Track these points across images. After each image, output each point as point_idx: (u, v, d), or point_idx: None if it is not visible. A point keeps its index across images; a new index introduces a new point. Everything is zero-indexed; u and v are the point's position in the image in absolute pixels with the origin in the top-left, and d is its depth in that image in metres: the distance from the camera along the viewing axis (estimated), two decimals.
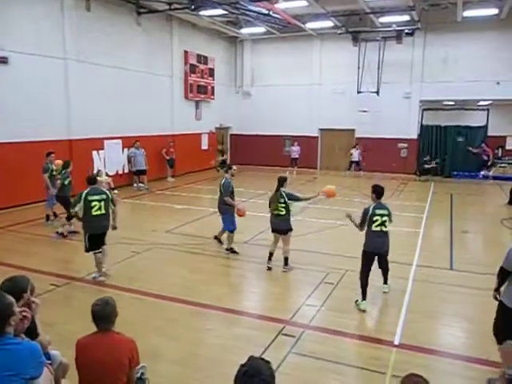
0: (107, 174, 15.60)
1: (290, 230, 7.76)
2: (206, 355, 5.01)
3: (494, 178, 19.22)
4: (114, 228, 7.32)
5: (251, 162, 23.29)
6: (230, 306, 6.27)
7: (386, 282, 6.72)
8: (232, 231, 8.64)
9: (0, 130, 11.90)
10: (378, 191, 6.38)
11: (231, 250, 8.66)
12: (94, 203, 6.93)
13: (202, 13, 16.98)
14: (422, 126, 20.80)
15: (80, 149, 14.45)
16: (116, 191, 15.23)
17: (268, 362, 2.28)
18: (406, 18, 17.78)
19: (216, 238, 9.22)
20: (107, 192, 7.24)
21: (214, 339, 5.36)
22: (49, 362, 3.25)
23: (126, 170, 16.78)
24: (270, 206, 7.80)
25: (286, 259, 7.75)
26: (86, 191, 6.99)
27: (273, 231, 7.88)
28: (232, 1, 15.40)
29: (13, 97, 12.22)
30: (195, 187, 17.09)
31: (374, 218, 6.20)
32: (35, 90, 12.84)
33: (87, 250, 7.11)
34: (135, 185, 16.42)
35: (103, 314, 3.30)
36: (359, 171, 20.68)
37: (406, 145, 20.88)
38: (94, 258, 7.13)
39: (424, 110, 20.70)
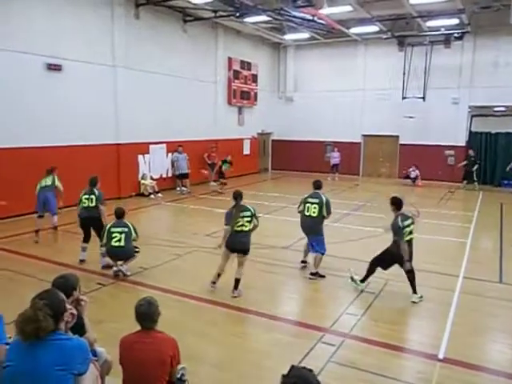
0: (152, 178, 16.06)
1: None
2: (245, 360, 5.03)
3: None
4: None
5: (292, 168, 23.26)
6: (269, 311, 6.26)
7: (415, 292, 6.63)
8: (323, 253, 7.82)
9: (54, 133, 12.49)
10: (396, 203, 6.59)
11: (318, 275, 7.69)
12: (114, 234, 7.34)
13: (247, 20, 17.18)
14: (470, 132, 20.07)
15: (127, 153, 14.97)
16: (160, 194, 15.65)
17: (311, 371, 2.25)
18: (455, 21, 17.24)
19: (304, 262, 8.34)
20: (130, 225, 7.51)
21: (253, 344, 5.38)
22: (95, 358, 3.36)
23: (170, 174, 17.17)
24: (228, 223, 6.76)
25: (238, 281, 6.86)
26: (110, 224, 7.52)
27: (232, 250, 6.90)
28: (276, 7, 15.49)
29: (66, 102, 12.81)
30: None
31: (404, 231, 6.40)
32: (86, 96, 13.41)
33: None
34: (178, 188, 16.76)
35: (147, 314, 3.40)
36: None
37: (452, 152, 20.20)
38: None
39: (473, 116, 19.96)
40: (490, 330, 6.00)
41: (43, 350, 2.65)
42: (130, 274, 7.61)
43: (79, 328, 3.31)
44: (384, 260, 6.78)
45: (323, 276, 7.67)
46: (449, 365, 4.93)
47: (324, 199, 7.66)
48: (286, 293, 7.45)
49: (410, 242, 6.51)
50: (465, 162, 18.87)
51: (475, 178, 18.54)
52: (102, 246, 7.76)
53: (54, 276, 3.52)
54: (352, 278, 7.03)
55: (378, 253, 6.91)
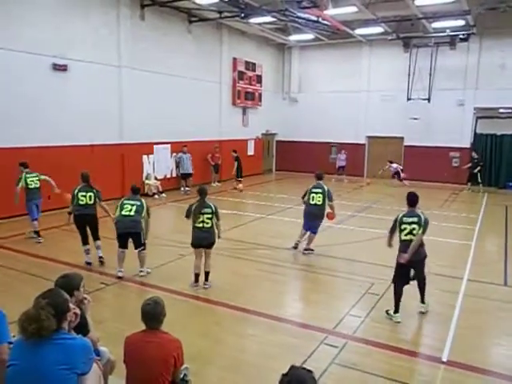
0: (156, 178, 16.09)
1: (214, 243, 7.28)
2: (248, 361, 5.03)
3: None
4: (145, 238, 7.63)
5: (297, 169, 23.23)
6: (273, 312, 6.26)
7: (422, 301, 6.24)
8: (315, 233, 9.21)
9: (59, 132, 12.55)
10: (408, 198, 6.19)
11: (310, 250, 9.08)
12: (125, 206, 7.41)
13: (252, 20, 17.19)
14: (475, 134, 19.99)
15: (131, 153, 15.01)
16: (164, 195, 15.68)
17: (310, 372, 2.25)
18: (461, 22, 17.17)
19: (297, 245, 9.30)
20: (143, 202, 7.54)
21: (257, 345, 5.37)
22: (98, 358, 3.37)
23: (174, 175, 17.20)
24: (187, 216, 7.29)
25: (208, 274, 7.23)
26: (123, 198, 7.68)
27: (197, 246, 7.21)
28: (281, 8, 15.49)
29: (71, 102, 12.86)
30: (240, 193, 17.24)
31: (402, 227, 5.99)
32: (91, 96, 13.45)
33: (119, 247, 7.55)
34: (182, 189, 16.79)
35: (153, 314, 3.41)
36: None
37: (457, 154, 20.13)
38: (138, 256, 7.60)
39: (478, 117, 19.88)
40: (494, 332, 5.97)
41: (46, 350, 2.66)
42: (144, 274, 7.62)
43: (82, 327, 3.31)
44: (402, 273, 6.10)
45: (313, 250, 9.05)
46: (453, 368, 4.90)
47: (326, 188, 9.00)
48: (290, 294, 7.44)
49: (407, 242, 5.91)
50: (469, 165, 18.78)
51: (479, 180, 18.43)
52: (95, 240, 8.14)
53: (57, 275, 3.53)
54: (387, 312, 6.16)
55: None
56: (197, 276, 7.17)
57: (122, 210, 7.40)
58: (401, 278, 6.06)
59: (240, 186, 17.49)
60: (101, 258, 8.21)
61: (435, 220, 12.21)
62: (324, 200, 8.91)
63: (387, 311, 6.13)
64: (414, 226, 5.91)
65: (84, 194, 8.05)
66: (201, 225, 7.12)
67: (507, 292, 7.28)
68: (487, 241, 11.06)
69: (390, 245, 6.31)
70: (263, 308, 6.37)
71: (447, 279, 7.67)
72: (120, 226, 7.42)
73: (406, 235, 5.95)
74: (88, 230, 8.20)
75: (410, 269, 6.03)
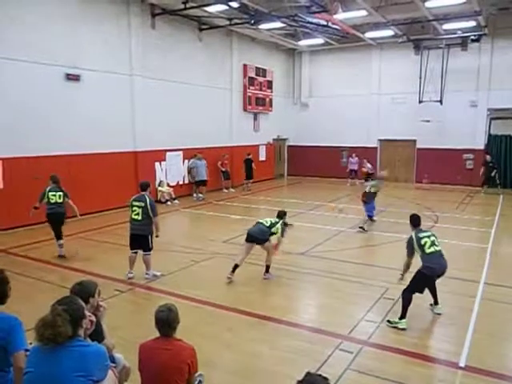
0: (168, 185, 16.19)
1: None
2: (261, 367, 5.01)
3: None
4: (156, 236, 7.83)
5: (308, 174, 23.21)
6: (286, 317, 6.23)
7: (437, 302, 6.34)
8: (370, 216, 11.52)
9: (73, 141, 12.71)
10: (414, 220, 6.24)
11: (363, 228, 11.19)
12: (134, 208, 7.66)
13: (261, 26, 17.27)
14: (489, 135, 19.74)
15: (144, 160, 15.14)
16: (177, 201, 15.77)
17: (326, 379, 2.23)
18: (472, 23, 17.04)
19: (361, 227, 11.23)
20: (147, 201, 7.64)
21: (270, 351, 5.35)
22: (113, 365, 3.39)
23: (186, 181, 17.28)
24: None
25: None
26: (133, 197, 7.84)
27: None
28: (290, 14, 15.54)
29: (84, 111, 13.03)
30: (252, 198, 17.26)
31: (422, 242, 5.90)
32: (104, 105, 13.63)
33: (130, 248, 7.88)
34: (195, 195, 16.86)
35: (167, 321, 3.42)
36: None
37: (471, 156, 19.90)
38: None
39: (492, 118, 19.63)
40: None
41: (62, 357, 2.68)
42: (160, 276, 7.84)
43: (98, 334, 3.34)
44: (425, 286, 6.05)
45: (366, 231, 11.13)
46: (470, 373, 4.82)
47: (375, 182, 12.07)
48: (303, 299, 7.40)
49: (434, 254, 5.88)
50: (482, 170, 18.46)
51: (498, 182, 18.19)
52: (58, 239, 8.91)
53: (72, 282, 3.57)
54: (389, 321, 5.99)
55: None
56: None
57: (132, 211, 7.70)
58: (419, 290, 5.97)
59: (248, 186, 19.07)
60: (62, 256, 8.98)
61: (451, 223, 12.11)
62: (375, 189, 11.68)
63: (389, 320, 5.95)
64: (433, 237, 6.01)
65: (54, 193, 8.85)
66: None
67: None
68: (504, 243, 10.87)
69: (405, 272, 6.11)
70: (277, 313, 6.35)
71: (464, 283, 7.56)
72: (131, 228, 7.80)
73: (429, 247, 5.89)
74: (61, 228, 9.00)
75: (433, 281, 6.09)
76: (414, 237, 5.98)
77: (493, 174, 18.20)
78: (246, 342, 5.57)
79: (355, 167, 21.03)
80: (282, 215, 8.11)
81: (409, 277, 6.06)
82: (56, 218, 8.91)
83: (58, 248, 9.04)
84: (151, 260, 7.87)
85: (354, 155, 21.27)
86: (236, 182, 19.53)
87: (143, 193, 7.77)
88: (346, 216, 12.81)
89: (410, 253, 6.03)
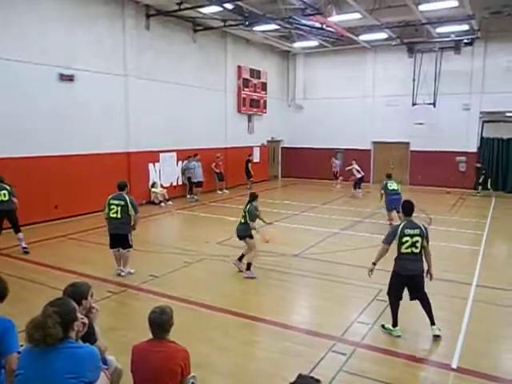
0: (162, 186, 16.15)
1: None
2: (255, 368, 5.01)
3: None
4: (133, 228, 7.99)
5: (302, 175, 23.26)
6: (280, 319, 6.23)
7: (433, 323, 5.67)
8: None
9: (67, 142, 12.65)
10: (405, 207, 5.81)
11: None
12: (112, 207, 7.75)
13: (256, 28, 17.30)
14: (482, 138, 19.90)
15: (137, 161, 15.09)
16: (170, 202, 15.73)
17: (318, 381, 2.23)
18: (465, 27, 17.18)
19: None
20: (127, 199, 7.78)
21: (263, 352, 5.35)
22: (105, 366, 3.37)
23: (180, 182, 17.25)
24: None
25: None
26: (110, 196, 7.90)
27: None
28: (285, 16, 15.58)
29: (79, 111, 12.97)
30: (246, 200, 17.20)
31: (404, 239, 5.53)
32: (98, 105, 13.57)
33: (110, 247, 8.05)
34: (188, 196, 16.83)
35: (158, 323, 3.40)
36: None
37: (464, 158, 20.04)
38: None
39: (484, 121, 19.79)
40: (504, 339, 5.90)
41: (54, 358, 2.67)
42: (133, 273, 8.02)
43: (90, 336, 3.32)
44: (398, 287, 5.77)
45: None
46: (462, 374, 4.85)
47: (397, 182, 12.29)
48: (296, 301, 7.41)
49: (408, 255, 5.55)
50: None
51: (489, 187, 18.33)
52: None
53: (65, 284, 3.54)
54: (384, 327, 5.89)
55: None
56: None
57: (109, 210, 7.76)
58: (396, 291, 5.74)
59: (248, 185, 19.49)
60: (25, 248, 9.37)
61: (443, 225, 12.17)
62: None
63: (383, 325, 5.86)
64: (417, 238, 5.53)
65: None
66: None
67: None
68: (496, 246, 10.96)
69: (377, 260, 5.80)
70: (270, 315, 6.35)
71: (456, 285, 7.61)
72: (109, 227, 7.91)
73: (406, 248, 5.54)
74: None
75: (406, 282, 5.67)
76: (400, 229, 5.60)
77: (481, 180, 18.32)
78: (238, 343, 5.56)
79: (338, 169, 21.28)
80: (251, 198, 8.39)
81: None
82: (7, 215, 9.17)
83: (20, 242, 9.37)
84: (130, 258, 8.09)
85: (336, 156, 21.54)
86: (230, 184, 19.52)
87: (121, 192, 7.87)
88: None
89: (388, 241, 5.68)
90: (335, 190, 19.65)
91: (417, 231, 5.57)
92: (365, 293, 7.23)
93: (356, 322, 6.20)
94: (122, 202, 7.71)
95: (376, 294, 7.14)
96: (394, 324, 5.77)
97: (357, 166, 17.93)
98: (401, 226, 5.65)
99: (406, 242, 5.56)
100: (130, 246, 7.98)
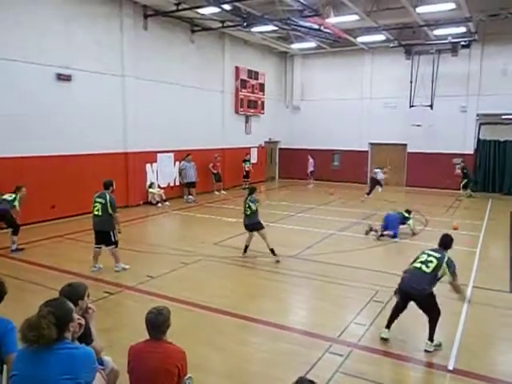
0: (159, 187, 16.13)
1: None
2: (251, 369, 5.00)
3: None
4: (119, 232, 8.28)
5: (300, 176, 23.27)
6: (276, 320, 6.23)
7: (430, 338, 5.41)
8: None
9: (64, 142, 12.62)
10: (441, 239, 5.81)
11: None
12: (95, 204, 8.14)
13: (254, 29, 17.32)
14: (478, 140, 19.97)
15: (134, 161, 15.06)
16: (167, 203, 15.71)
17: (313, 383, 2.23)
18: (462, 29, 17.27)
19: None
20: (107, 198, 8.06)
21: (260, 353, 5.34)
22: (102, 367, 3.36)
23: (177, 183, 17.23)
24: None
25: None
26: (95, 194, 8.28)
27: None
28: (283, 17, 15.60)
29: (76, 111, 12.94)
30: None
31: (421, 255, 5.60)
32: (95, 105, 13.54)
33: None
34: (185, 197, 16.81)
35: (154, 323, 3.39)
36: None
37: (460, 160, 20.08)
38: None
39: (481, 124, 19.87)
40: (500, 340, 5.92)
41: (49, 359, 2.65)
42: (128, 268, 8.21)
43: (86, 337, 3.31)
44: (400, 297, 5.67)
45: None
46: (459, 376, 4.86)
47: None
48: (293, 302, 7.41)
49: (415, 270, 5.49)
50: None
51: (468, 192, 18.27)
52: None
53: (62, 284, 3.53)
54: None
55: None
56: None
57: (93, 207, 8.16)
58: (398, 301, 5.66)
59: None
60: (15, 250, 9.51)
61: (440, 227, 12.19)
62: None
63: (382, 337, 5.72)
64: (432, 259, 5.45)
65: None
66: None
67: None
68: (492, 247, 10.99)
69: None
70: (267, 316, 6.34)
71: None
72: (93, 224, 8.30)
73: (417, 263, 5.53)
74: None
75: (408, 299, 5.54)
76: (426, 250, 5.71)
77: (463, 182, 18.28)
78: (235, 344, 5.55)
79: (312, 168, 22.07)
80: (250, 191, 9.50)
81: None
82: (2, 218, 9.43)
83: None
84: (118, 253, 8.28)
85: (310, 157, 22.13)
86: (228, 185, 19.51)
87: (104, 191, 8.19)
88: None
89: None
90: (332, 191, 19.64)
91: (437, 254, 5.51)
92: (361, 294, 7.24)
93: (353, 323, 6.20)
94: (103, 201, 8.05)
95: (373, 295, 7.15)
96: (386, 326, 5.70)
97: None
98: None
99: (421, 257, 5.57)
100: (114, 243, 8.18)
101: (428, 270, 5.41)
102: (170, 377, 3.28)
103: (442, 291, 7.17)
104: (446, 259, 5.45)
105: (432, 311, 5.43)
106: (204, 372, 4.71)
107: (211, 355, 5.23)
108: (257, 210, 9.11)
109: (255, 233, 9.11)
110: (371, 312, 6.53)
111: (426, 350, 5.36)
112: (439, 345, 5.42)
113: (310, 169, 22.07)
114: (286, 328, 6.02)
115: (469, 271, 8.44)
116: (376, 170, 17.42)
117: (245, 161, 20.27)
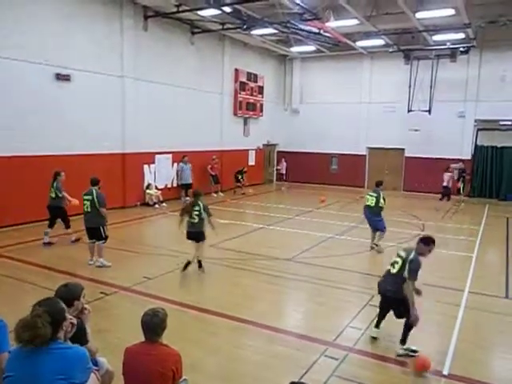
0: (156, 188, 16.10)
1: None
2: (246, 372, 4.98)
3: None
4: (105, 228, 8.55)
5: (298, 179, 23.31)
6: (271, 323, 6.22)
7: (402, 341, 5.39)
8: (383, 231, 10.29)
9: (62, 142, 12.58)
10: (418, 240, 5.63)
11: (378, 246, 10.15)
12: (84, 201, 8.42)
13: (254, 32, 17.33)
14: (476, 146, 20.03)
15: (132, 162, 15.04)
16: (164, 204, 15.68)
17: None
18: (461, 35, 17.33)
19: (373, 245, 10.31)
20: (94, 194, 8.32)
21: (254, 356, 5.32)
22: (96, 368, 3.34)
23: (175, 184, 17.21)
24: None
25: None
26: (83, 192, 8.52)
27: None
28: (283, 20, 15.63)
29: (74, 111, 12.91)
30: (240, 203, 17.24)
31: (394, 257, 5.58)
32: (94, 106, 13.52)
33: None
34: (182, 199, 16.78)
35: (150, 325, 3.37)
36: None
37: (457, 165, 20.12)
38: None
39: (479, 129, 19.94)
40: (496, 345, 5.92)
41: (43, 359, 2.64)
42: (109, 266, 8.36)
43: (81, 337, 3.29)
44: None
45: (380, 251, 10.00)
46: (454, 381, 4.86)
47: (381, 194, 10.26)
48: (289, 305, 7.40)
49: (387, 272, 5.60)
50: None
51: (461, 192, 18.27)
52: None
53: (57, 284, 3.52)
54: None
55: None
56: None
57: (83, 205, 8.40)
58: (380, 304, 5.71)
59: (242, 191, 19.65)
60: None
61: (437, 232, 12.21)
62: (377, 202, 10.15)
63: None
64: (398, 259, 5.41)
65: None
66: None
67: (509, 305, 7.24)
68: (488, 253, 11.02)
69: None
70: (262, 319, 6.33)
71: (448, 291, 7.63)
72: (84, 221, 8.56)
73: (390, 265, 5.58)
74: None
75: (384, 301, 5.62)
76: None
77: (461, 186, 18.22)
78: (230, 347, 5.54)
79: (283, 171, 23.08)
80: (195, 196, 9.03)
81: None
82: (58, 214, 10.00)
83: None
84: (103, 249, 8.52)
85: (283, 160, 23.10)
86: (225, 187, 19.50)
87: (92, 187, 8.43)
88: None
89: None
90: (331, 195, 19.66)
91: (403, 254, 5.43)
92: (358, 298, 7.24)
93: (348, 326, 6.19)
94: (90, 197, 8.31)
95: (369, 299, 7.14)
96: (375, 325, 5.75)
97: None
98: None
99: (393, 259, 5.55)
100: (104, 238, 8.47)
101: (394, 271, 5.41)
102: (165, 380, 3.26)
103: (435, 296, 7.20)
104: (410, 257, 5.30)
105: (407, 312, 5.27)
106: (198, 374, 4.69)
107: (206, 357, 5.21)
108: (204, 219, 8.58)
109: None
110: (367, 316, 6.52)
111: (398, 354, 5.31)
112: (413, 351, 5.29)
113: (282, 171, 23.24)
114: (281, 331, 6.01)
115: (465, 276, 8.46)
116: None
117: (240, 172, 19.77)
